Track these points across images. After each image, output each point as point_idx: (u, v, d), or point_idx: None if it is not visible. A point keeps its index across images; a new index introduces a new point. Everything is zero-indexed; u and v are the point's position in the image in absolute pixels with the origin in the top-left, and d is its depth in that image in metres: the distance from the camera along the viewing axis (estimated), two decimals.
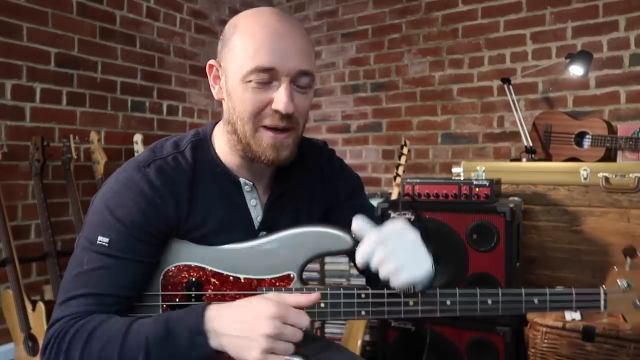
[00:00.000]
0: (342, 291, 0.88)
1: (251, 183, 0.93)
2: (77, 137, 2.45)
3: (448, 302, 0.87)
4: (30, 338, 2.07)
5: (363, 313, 0.87)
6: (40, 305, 2.05)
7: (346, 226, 0.92)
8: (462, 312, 0.87)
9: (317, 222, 0.96)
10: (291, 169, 0.97)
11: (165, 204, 0.86)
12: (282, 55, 0.82)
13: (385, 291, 0.87)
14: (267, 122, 0.84)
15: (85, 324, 0.78)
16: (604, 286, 0.90)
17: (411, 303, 0.87)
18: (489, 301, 0.87)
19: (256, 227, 0.95)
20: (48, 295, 2.28)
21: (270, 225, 0.94)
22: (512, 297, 0.87)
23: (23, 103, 2.37)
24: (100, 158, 2.43)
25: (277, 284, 0.89)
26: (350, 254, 0.87)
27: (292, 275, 0.90)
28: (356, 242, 0.85)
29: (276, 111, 0.83)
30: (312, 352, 0.99)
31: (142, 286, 0.86)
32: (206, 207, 0.90)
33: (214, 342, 0.75)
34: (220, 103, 0.93)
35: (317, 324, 2.60)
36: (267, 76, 0.82)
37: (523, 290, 0.87)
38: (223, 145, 0.93)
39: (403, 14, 3.25)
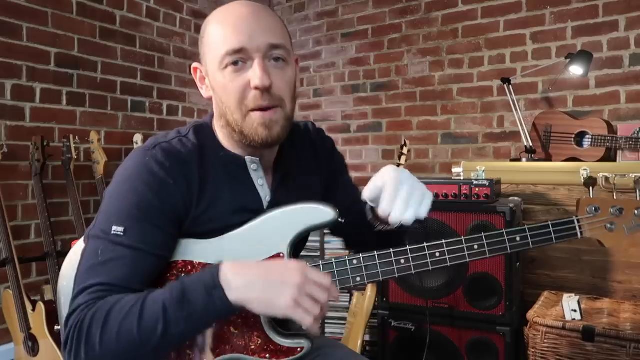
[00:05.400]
0: (333, 261, 0.89)
1: (258, 160, 0.94)
2: (77, 137, 2.45)
3: (437, 254, 0.91)
4: (30, 338, 2.06)
5: (358, 279, 0.89)
6: (40, 305, 2.05)
7: (342, 199, 1.03)
8: (452, 260, 0.90)
9: (320, 199, 0.98)
10: (288, 150, 1.00)
11: (177, 184, 0.86)
12: (249, 34, 0.84)
13: (376, 253, 0.90)
14: (251, 104, 0.86)
15: (100, 306, 0.78)
16: (575, 215, 0.97)
17: (402, 261, 0.90)
18: (475, 246, 0.91)
19: (265, 207, 0.95)
20: (48, 295, 2.28)
21: (279, 205, 0.93)
22: (496, 239, 0.92)
23: (23, 103, 2.37)
24: (100, 158, 2.43)
25: None
26: (334, 226, 0.91)
27: (282, 255, 0.90)
28: (339, 213, 0.90)
29: (256, 88, 0.84)
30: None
31: (152, 280, 0.85)
32: (216, 188, 0.90)
33: (233, 296, 0.76)
34: (211, 100, 0.96)
35: None
36: (240, 57, 0.85)
37: (504, 231, 0.92)
38: (222, 135, 0.95)
39: (403, 14, 3.25)
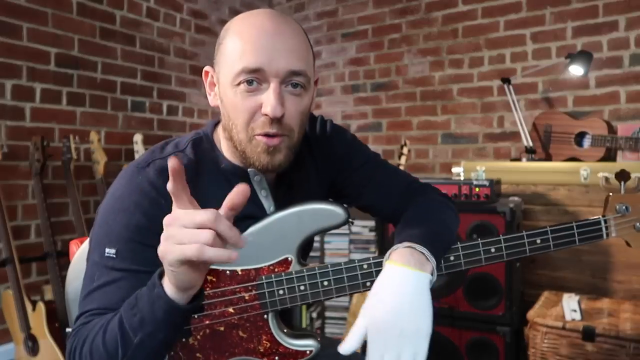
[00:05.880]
0: (343, 266, 0.87)
1: (261, 173, 0.90)
2: (77, 137, 2.45)
3: (452, 258, 0.87)
4: (30, 338, 2.07)
5: (368, 284, 0.86)
6: (40, 305, 2.05)
7: (356, 191, 1.02)
8: (467, 264, 0.87)
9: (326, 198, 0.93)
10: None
11: (170, 203, 0.81)
12: (269, 55, 0.78)
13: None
14: (259, 129, 0.81)
15: (82, 331, 0.78)
16: (602, 215, 0.89)
17: None
18: (492, 249, 0.87)
19: None
20: (48, 296, 2.28)
21: None
22: (515, 241, 0.87)
23: (23, 103, 2.37)
24: (100, 158, 2.43)
25: (276, 269, 0.87)
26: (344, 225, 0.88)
27: (290, 259, 0.87)
28: (348, 214, 0.87)
29: (266, 115, 0.80)
30: None
31: None
32: (215, 203, 0.84)
33: (169, 290, 0.72)
34: (218, 108, 0.91)
35: (317, 324, 2.60)
36: (255, 78, 0.79)
37: (525, 233, 0.87)
38: (225, 147, 0.91)
39: (403, 14, 3.25)
